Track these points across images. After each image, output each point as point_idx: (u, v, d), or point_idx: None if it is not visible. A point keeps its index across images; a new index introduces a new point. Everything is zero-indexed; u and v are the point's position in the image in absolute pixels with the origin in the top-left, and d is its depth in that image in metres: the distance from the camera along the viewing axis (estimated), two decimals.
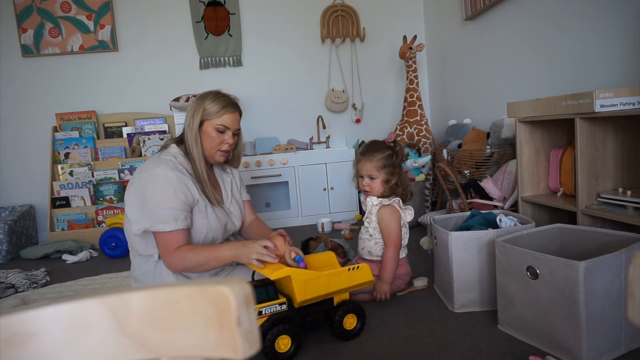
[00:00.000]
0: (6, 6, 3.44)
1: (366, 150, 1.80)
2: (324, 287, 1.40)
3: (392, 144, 1.79)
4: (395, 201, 1.77)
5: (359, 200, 3.07)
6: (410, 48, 3.26)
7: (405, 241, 1.82)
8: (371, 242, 1.82)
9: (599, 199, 1.63)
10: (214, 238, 1.65)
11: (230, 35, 3.68)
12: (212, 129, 1.60)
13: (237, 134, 1.69)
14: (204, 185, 1.61)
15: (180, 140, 1.67)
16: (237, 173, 1.88)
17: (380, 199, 1.78)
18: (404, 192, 1.80)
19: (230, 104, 1.63)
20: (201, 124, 1.60)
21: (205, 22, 3.64)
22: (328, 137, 3.70)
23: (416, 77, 3.29)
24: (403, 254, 1.84)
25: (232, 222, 1.74)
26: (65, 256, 2.89)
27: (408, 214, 1.79)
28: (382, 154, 1.76)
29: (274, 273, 1.32)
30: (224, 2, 3.65)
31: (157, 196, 1.50)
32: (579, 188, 1.64)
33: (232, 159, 1.78)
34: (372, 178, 1.78)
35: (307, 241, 2.33)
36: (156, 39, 3.63)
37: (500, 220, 1.72)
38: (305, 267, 1.44)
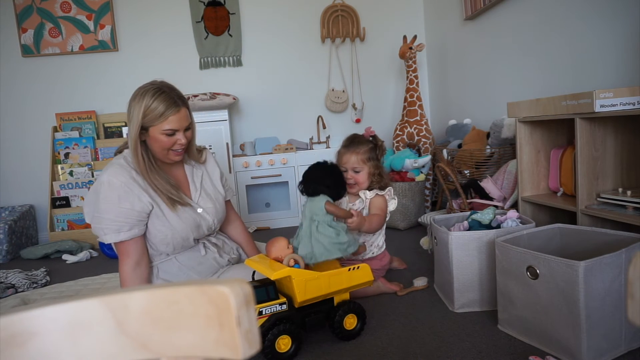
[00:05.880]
0: (6, 6, 3.44)
1: (350, 143, 1.80)
2: (324, 287, 1.40)
3: (371, 138, 1.81)
4: (389, 191, 1.81)
5: None
6: (410, 48, 3.26)
7: (383, 228, 1.86)
8: (372, 235, 1.83)
9: (599, 199, 1.63)
10: (183, 239, 1.54)
11: (230, 35, 3.67)
12: (159, 134, 1.44)
13: (189, 128, 1.52)
14: (157, 191, 1.47)
15: None
16: (212, 167, 1.73)
17: (374, 191, 1.79)
18: (386, 185, 1.82)
19: (172, 103, 1.44)
20: (146, 129, 1.44)
21: (205, 22, 3.64)
22: (328, 137, 3.70)
23: (416, 77, 3.29)
24: (383, 243, 1.89)
25: (205, 220, 1.60)
26: (65, 256, 2.89)
27: (392, 204, 1.82)
28: (367, 147, 1.77)
29: (275, 273, 1.32)
30: (224, 2, 3.65)
31: (101, 205, 1.42)
32: (579, 188, 1.64)
33: (188, 154, 1.62)
34: (356, 171, 1.77)
35: None
36: (156, 39, 3.63)
37: None
38: None
